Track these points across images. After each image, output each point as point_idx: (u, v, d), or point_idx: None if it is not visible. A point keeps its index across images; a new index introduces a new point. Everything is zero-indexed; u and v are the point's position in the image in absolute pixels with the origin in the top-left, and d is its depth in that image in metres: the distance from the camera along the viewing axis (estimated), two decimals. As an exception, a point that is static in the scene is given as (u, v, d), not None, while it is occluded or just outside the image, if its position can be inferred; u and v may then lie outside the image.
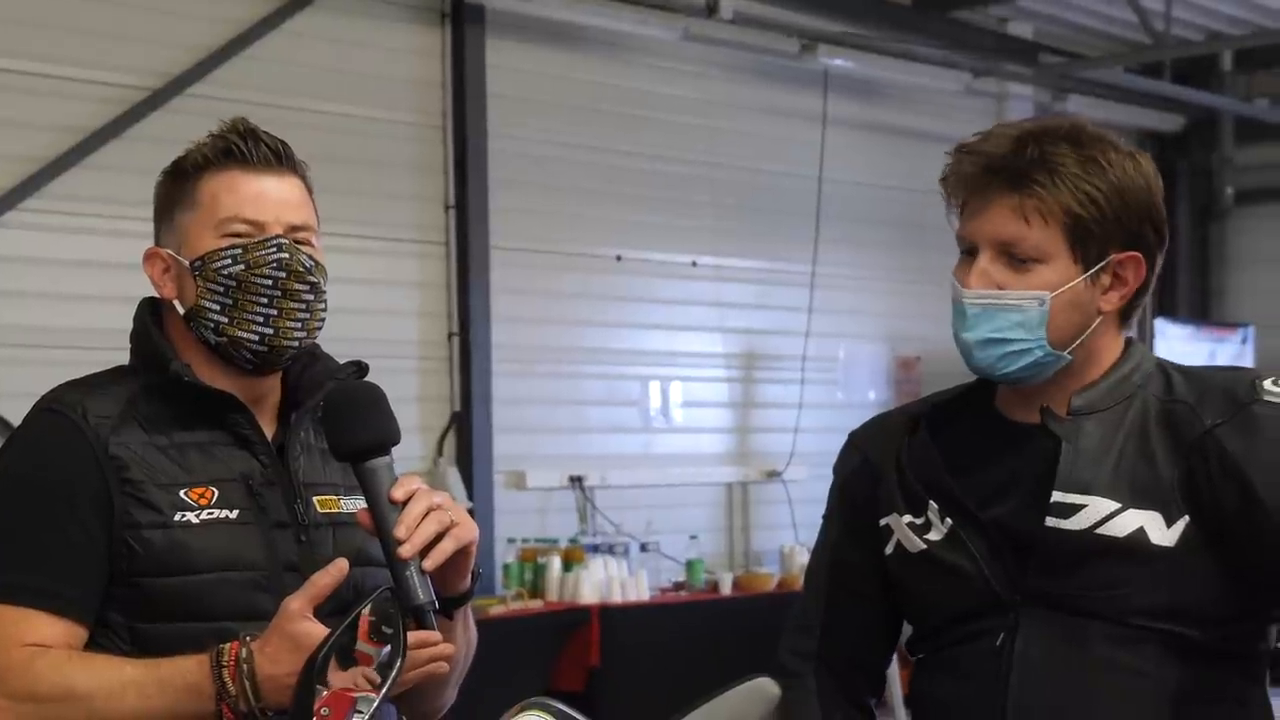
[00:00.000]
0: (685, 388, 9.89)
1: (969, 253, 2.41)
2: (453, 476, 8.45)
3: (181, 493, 2.39)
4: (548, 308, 9.24)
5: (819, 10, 9.92)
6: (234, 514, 2.41)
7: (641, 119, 9.62)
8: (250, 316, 2.43)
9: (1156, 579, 2.32)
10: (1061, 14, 11.07)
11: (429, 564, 2.30)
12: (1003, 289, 2.36)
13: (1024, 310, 2.36)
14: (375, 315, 8.09)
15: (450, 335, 8.80)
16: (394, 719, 2.54)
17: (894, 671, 7.22)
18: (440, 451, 8.65)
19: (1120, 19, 10.87)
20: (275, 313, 2.44)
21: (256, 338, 2.44)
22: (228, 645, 2.27)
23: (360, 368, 2.56)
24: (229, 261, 2.43)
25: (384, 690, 2.19)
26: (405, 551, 2.28)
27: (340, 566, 2.30)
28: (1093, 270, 2.36)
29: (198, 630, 2.35)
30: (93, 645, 2.37)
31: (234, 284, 2.43)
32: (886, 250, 10.69)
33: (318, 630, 2.24)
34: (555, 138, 9.22)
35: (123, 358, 2.54)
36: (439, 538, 2.30)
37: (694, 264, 9.90)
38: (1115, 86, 11.34)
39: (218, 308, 2.44)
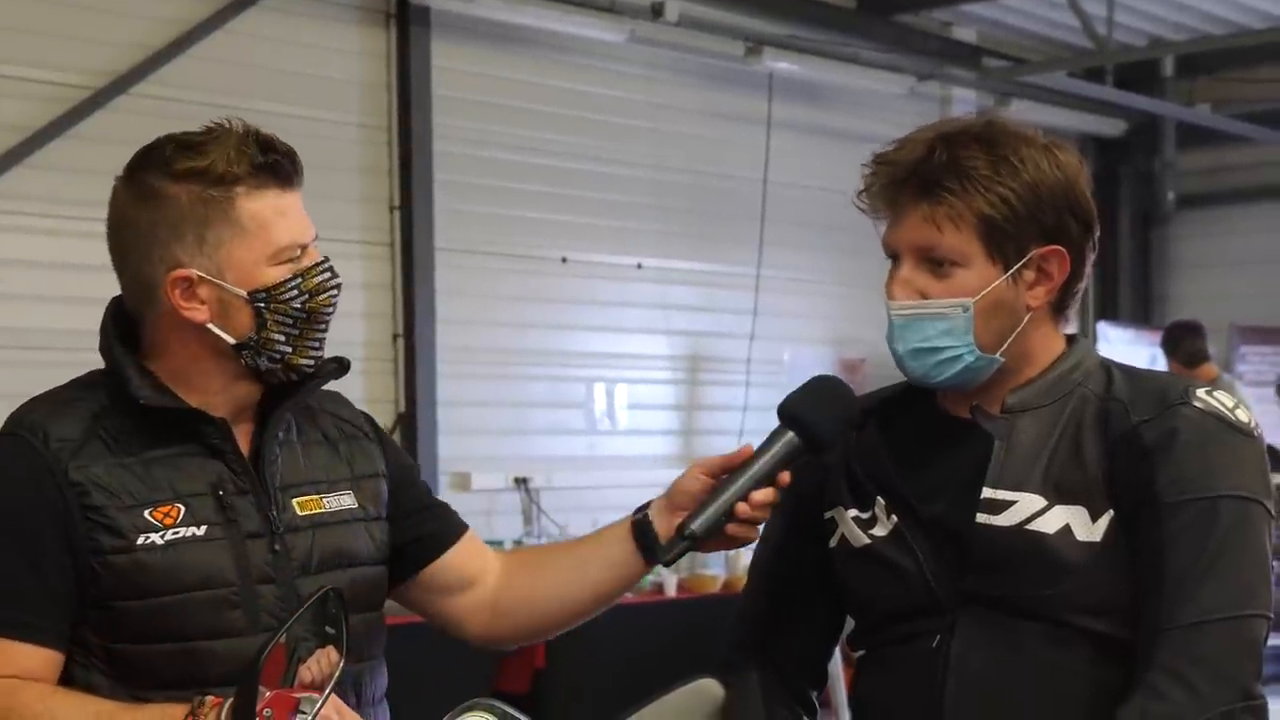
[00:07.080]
0: (630, 390, 9.89)
1: (894, 261, 2.42)
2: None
3: (146, 513, 2.34)
4: (493, 309, 9.23)
5: (764, 13, 9.95)
6: (201, 530, 2.36)
7: (587, 121, 9.63)
8: (309, 344, 2.42)
9: (1085, 575, 2.31)
10: (1005, 19, 11.14)
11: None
12: (926, 296, 2.37)
13: (949, 318, 2.36)
14: (320, 316, 8.02)
15: (395, 337, 8.78)
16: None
17: (838, 671, 7.23)
18: (385, 453, 8.62)
19: (1063, 24, 10.94)
20: (326, 335, 2.44)
21: (310, 362, 2.43)
22: (209, 698, 2.23)
23: (340, 363, 2.52)
24: (294, 293, 2.39)
25: (328, 690, 2.19)
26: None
27: None
28: (1013, 269, 2.36)
29: (169, 650, 2.33)
30: (72, 665, 2.34)
31: (303, 316, 2.39)
32: (831, 253, 10.72)
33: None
34: (500, 139, 9.21)
35: (63, 358, 2.52)
36: None
37: (639, 266, 9.91)
38: (1058, 91, 11.41)
39: (283, 338, 2.39)
